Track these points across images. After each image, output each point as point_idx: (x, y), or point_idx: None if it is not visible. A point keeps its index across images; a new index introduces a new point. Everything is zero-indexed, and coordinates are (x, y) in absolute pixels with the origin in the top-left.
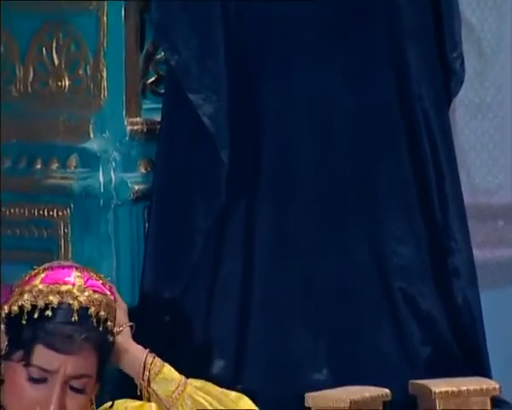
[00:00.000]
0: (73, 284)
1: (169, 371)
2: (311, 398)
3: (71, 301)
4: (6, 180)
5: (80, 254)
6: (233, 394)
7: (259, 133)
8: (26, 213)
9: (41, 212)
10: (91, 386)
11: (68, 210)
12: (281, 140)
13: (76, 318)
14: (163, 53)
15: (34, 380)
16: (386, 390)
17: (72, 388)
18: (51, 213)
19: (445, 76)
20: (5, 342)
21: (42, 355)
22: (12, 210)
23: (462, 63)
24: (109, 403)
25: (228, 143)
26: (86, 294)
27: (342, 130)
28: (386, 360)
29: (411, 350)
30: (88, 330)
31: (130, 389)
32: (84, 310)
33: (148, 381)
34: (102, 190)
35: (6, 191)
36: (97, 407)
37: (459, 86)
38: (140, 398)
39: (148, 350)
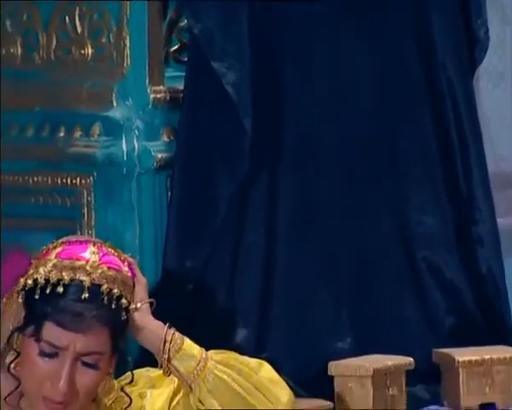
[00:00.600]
0: (87, 261)
1: (189, 346)
2: (335, 366)
3: (83, 278)
4: (29, 148)
5: (103, 222)
6: (253, 362)
7: (282, 102)
8: (50, 182)
9: (64, 180)
10: (105, 362)
11: (91, 178)
12: (303, 110)
13: (87, 295)
14: (186, 21)
15: (45, 354)
16: (410, 359)
17: (84, 363)
18: (74, 181)
19: (469, 44)
20: (22, 315)
21: (51, 332)
22: (35, 178)
23: (487, 31)
24: (129, 374)
25: (251, 112)
26: (100, 270)
27: (366, 100)
28: (409, 329)
29: (435, 319)
30: (99, 307)
31: (151, 360)
32: (96, 287)
33: (169, 358)
34: (125, 158)
35: (29, 160)
36: (117, 378)
37: (483, 54)
38: None
39: (167, 326)
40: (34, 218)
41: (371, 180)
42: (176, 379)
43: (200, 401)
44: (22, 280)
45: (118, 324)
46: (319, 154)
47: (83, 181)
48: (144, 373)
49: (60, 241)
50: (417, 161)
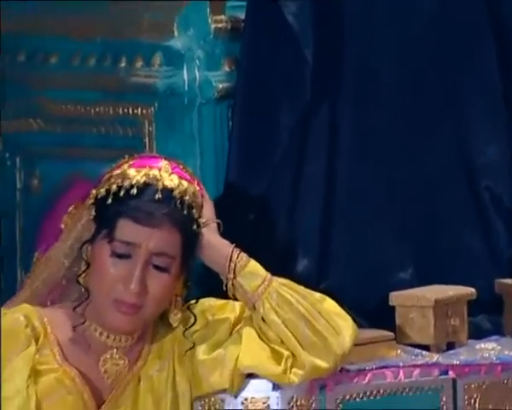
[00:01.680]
0: (160, 169)
1: (255, 265)
2: (396, 297)
3: (156, 182)
4: (91, 79)
5: (164, 152)
6: (317, 293)
7: (343, 33)
8: (111, 112)
9: (126, 110)
10: (176, 268)
11: (153, 109)
12: (365, 42)
13: (160, 196)
14: None
15: (118, 255)
16: (472, 289)
17: (155, 266)
18: (136, 111)
19: None
20: (92, 229)
21: (125, 229)
22: (97, 109)
23: None
24: (194, 301)
25: (312, 42)
26: (172, 177)
27: (429, 31)
28: (471, 260)
29: (497, 249)
30: (170, 208)
31: (215, 286)
32: (168, 191)
33: (234, 274)
34: (186, 88)
35: (91, 90)
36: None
37: None
38: (225, 296)
39: (234, 245)
40: (96, 148)
41: (433, 112)
42: (237, 309)
43: (263, 320)
44: (94, 191)
45: (188, 230)
46: (380, 85)
47: (144, 111)
48: (207, 302)
49: (131, 157)
50: (480, 92)
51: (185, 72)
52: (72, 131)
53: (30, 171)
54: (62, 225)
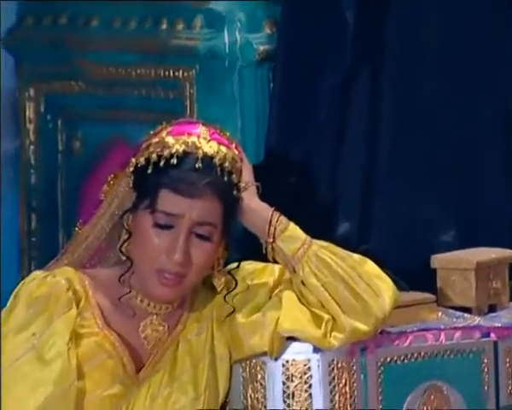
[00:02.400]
0: (199, 136)
1: (294, 229)
2: (437, 260)
3: (196, 150)
4: (132, 41)
5: (205, 115)
6: (357, 256)
7: None
8: (152, 74)
9: (167, 73)
10: (217, 236)
11: (194, 71)
12: (407, 4)
13: (200, 165)
14: None
15: (160, 226)
16: None
17: (197, 235)
18: (177, 73)
19: None
20: (133, 197)
21: (167, 200)
22: (138, 71)
23: None
24: (235, 264)
25: (353, 4)
26: (211, 144)
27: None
28: None
29: None
30: (212, 176)
31: (254, 250)
32: (208, 159)
33: (274, 238)
34: (227, 51)
35: (132, 52)
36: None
37: None
38: (264, 258)
39: (273, 208)
40: (137, 110)
41: (476, 74)
42: (276, 272)
43: (303, 283)
44: (134, 160)
45: (229, 197)
46: (423, 48)
47: (185, 74)
48: (246, 266)
49: (169, 123)
50: None
51: (226, 34)
52: (113, 93)
53: (71, 133)
54: (102, 195)
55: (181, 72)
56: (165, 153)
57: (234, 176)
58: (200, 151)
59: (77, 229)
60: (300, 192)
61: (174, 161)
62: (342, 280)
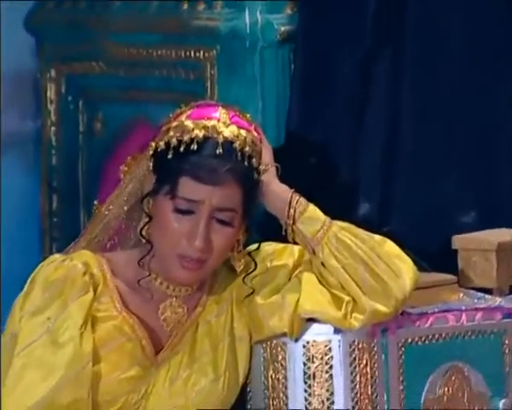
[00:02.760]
0: (219, 120)
1: (314, 210)
2: (458, 240)
3: (216, 135)
4: (153, 22)
5: (226, 95)
6: (377, 236)
7: None
8: (173, 55)
9: (188, 53)
10: (238, 221)
11: (215, 51)
12: None
13: (221, 151)
14: None
15: (180, 212)
16: None
17: (218, 220)
18: (198, 54)
19: None
20: (152, 180)
21: (187, 187)
22: (159, 51)
23: None
24: (255, 245)
25: None
26: (231, 129)
27: None
28: None
29: None
30: (232, 162)
31: (274, 231)
32: (228, 144)
33: (293, 220)
34: (248, 31)
35: (153, 33)
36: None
37: None
38: (284, 239)
39: (293, 190)
40: (158, 91)
41: (498, 54)
42: (296, 253)
43: (323, 265)
44: (153, 144)
45: (250, 181)
46: (443, 29)
47: (206, 54)
48: (266, 247)
49: (188, 106)
50: None
51: (247, 15)
52: (134, 74)
53: (92, 114)
54: (121, 175)
55: (202, 52)
56: (185, 138)
57: (254, 160)
58: (221, 136)
59: (94, 208)
60: (321, 173)
61: (194, 146)
62: (362, 262)
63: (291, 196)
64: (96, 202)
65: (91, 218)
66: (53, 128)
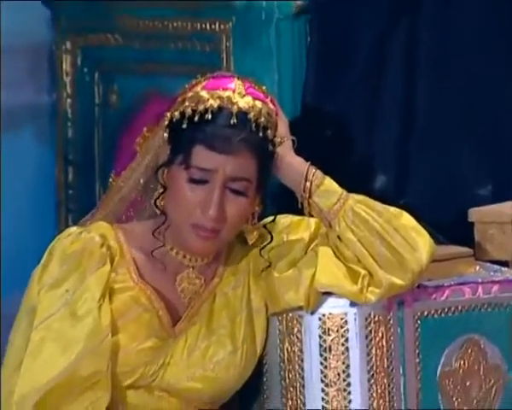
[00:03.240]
0: (234, 90)
1: (330, 183)
2: (475, 213)
3: (230, 106)
4: None
5: (242, 67)
6: (393, 209)
7: None
8: (189, 27)
9: (203, 25)
10: (252, 192)
11: (230, 24)
12: None
13: (235, 121)
14: None
15: (194, 181)
16: None
17: (232, 190)
18: (213, 26)
19: None
20: (167, 151)
21: (201, 156)
22: (174, 24)
23: None
24: (271, 218)
25: None
26: (246, 99)
27: None
28: None
29: None
30: (246, 133)
31: (290, 204)
32: (243, 114)
33: (310, 193)
34: (264, 3)
35: (169, 6)
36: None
37: None
38: (300, 212)
39: (309, 163)
40: (173, 63)
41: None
42: (312, 225)
43: (339, 238)
44: (168, 114)
45: (264, 152)
46: (459, 3)
47: (222, 26)
48: (282, 220)
49: (203, 77)
50: None
51: None
52: (149, 46)
53: (108, 86)
54: (137, 148)
55: (217, 24)
56: (200, 108)
57: (269, 131)
58: (235, 106)
59: (111, 180)
60: (337, 145)
61: (209, 116)
62: (378, 235)
63: (307, 169)
64: (112, 175)
65: (107, 190)
66: (68, 100)
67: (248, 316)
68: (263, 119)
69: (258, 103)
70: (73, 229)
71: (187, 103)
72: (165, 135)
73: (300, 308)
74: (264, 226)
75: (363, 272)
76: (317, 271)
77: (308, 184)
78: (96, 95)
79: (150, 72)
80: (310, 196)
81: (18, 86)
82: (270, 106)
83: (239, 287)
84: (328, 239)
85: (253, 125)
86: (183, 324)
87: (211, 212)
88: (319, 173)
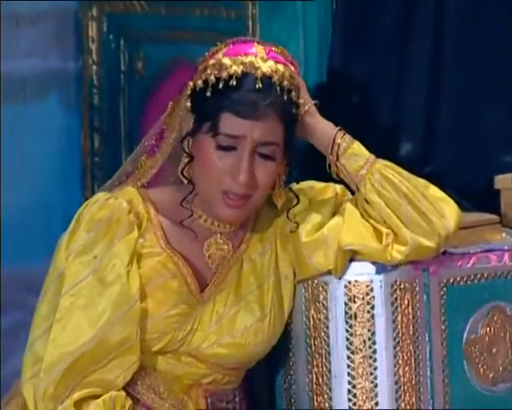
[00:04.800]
0: (256, 55)
1: (358, 147)
2: (501, 180)
3: (254, 71)
4: None
5: (268, 34)
6: (421, 179)
7: None
8: None
9: None
10: (279, 155)
11: None
12: None
13: (260, 85)
14: None
15: (223, 148)
16: None
17: (260, 155)
18: None
19: None
20: (191, 120)
21: (229, 123)
22: None
23: None
24: (296, 183)
25: None
26: (269, 64)
27: None
28: None
29: None
30: (272, 96)
31: (316, 168)
32: (267, 79)
33: (337, 156)
34: None
35: None
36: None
37: None
38: (325, 180)
39: (338, 127)
40: (199, 31)
41: None
42: (338, 191)
43: (367, 201)
44: (191, 83)
45: (290, 115)
46: None
47: None
48: (309, 184)
49: (223, 43)
50: None
51: None
52: (175, 13)
53: (134, 53)
54: (164, 126)
55: None
56: (224, 75)
57: (293, 93)
58: (259, 71)
59: (141, 162)
60: (363, 112)
61: (233, 82)
62: (406, 197)
63: (336, 133)
64: (143, 158)
65: (137, 169)
66: (94, 67)
67: (276, 282)
68: (286, 82)
69: (281, 67)
70: (101, 195)
71: (209, 71)
72: (188, 104)
73: (329, 273)
74: (291, 190)
75: (385, 230)
76: (342, 230)
77: (336, 147)
78: (122, 62)
79: (176, 39)
80: (337, 159)
81: (44, 53)
82: (292, 68)
83: (266, 253)
84: (356, 203)
85: (278, 88)
86: (211, 290)
87: (241, 178)
88: (348, 137)
